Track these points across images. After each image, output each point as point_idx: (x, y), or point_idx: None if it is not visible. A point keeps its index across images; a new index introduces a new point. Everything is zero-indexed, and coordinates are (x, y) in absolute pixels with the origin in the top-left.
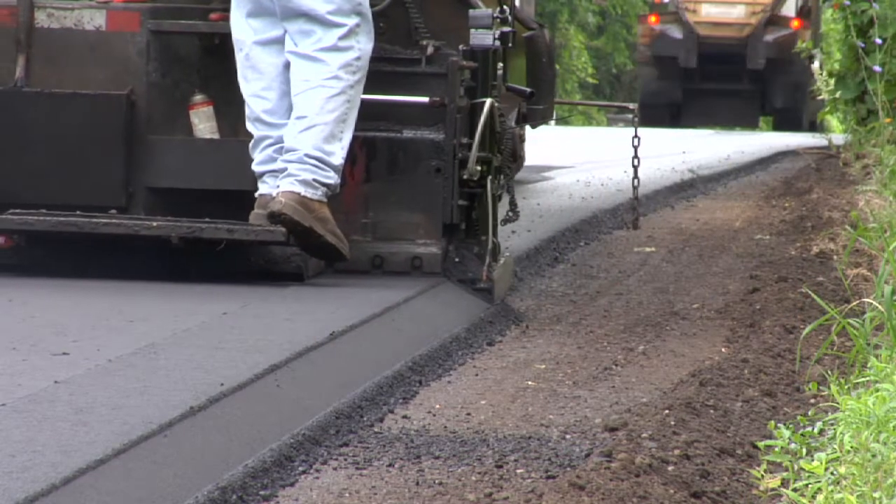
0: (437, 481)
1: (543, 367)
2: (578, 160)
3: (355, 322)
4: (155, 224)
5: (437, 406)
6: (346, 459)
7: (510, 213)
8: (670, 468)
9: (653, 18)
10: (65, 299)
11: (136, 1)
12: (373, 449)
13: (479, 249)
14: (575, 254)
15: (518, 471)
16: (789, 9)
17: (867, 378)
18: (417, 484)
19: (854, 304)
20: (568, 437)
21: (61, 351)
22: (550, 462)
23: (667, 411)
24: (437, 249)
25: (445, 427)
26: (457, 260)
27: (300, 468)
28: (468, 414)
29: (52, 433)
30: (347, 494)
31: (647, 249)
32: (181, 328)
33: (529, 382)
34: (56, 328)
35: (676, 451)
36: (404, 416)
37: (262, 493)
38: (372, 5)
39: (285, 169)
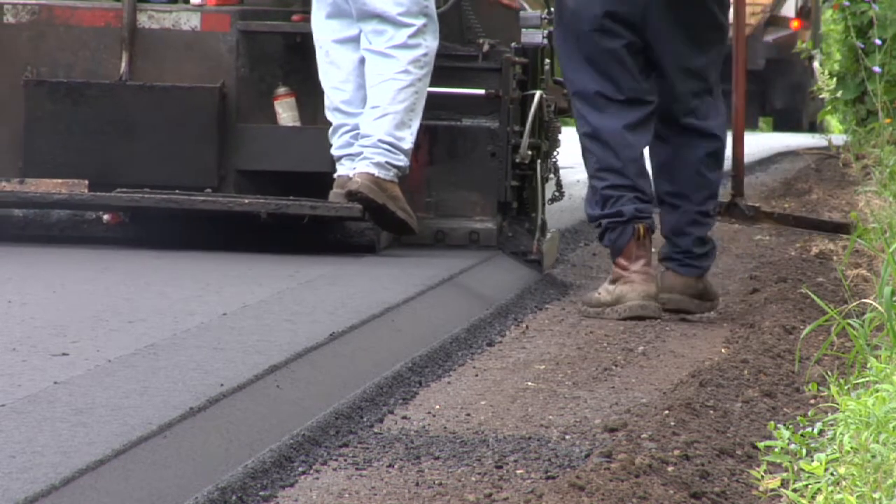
0: (436, 482)
1: (543, 367)
2: (578, 160)
3: (355, 323)
4: (246, 201)
5: (437, 407)
6: (345, 460)
7: (557, 193)
8: (670, 469)
9: None
10: (65, 299)
11: (227, 4)
12: (372, 449)
13: (529, 225)
14: (575, 254)
15: (518, 471)
16: (789, 9)
17: (867, 379)
18: (417, 484)
19: (854, 304)
20: (568, 437)
21: (61, 351)
22: (550, 462)
23: (667, 412)
24: (492, 225)
25: (445, 427)
26: (510, 234)
27: (300, 469)
28: (468, 414)
29: (51, 434)
30: (347, 495)
31: None
32: (181, 329)
33: (529, 383)
34: (56, 328)
35: (676, 452)
36: (404, 417)
37: (261, 493)
38: (436, 7)
39: (361, 153)
